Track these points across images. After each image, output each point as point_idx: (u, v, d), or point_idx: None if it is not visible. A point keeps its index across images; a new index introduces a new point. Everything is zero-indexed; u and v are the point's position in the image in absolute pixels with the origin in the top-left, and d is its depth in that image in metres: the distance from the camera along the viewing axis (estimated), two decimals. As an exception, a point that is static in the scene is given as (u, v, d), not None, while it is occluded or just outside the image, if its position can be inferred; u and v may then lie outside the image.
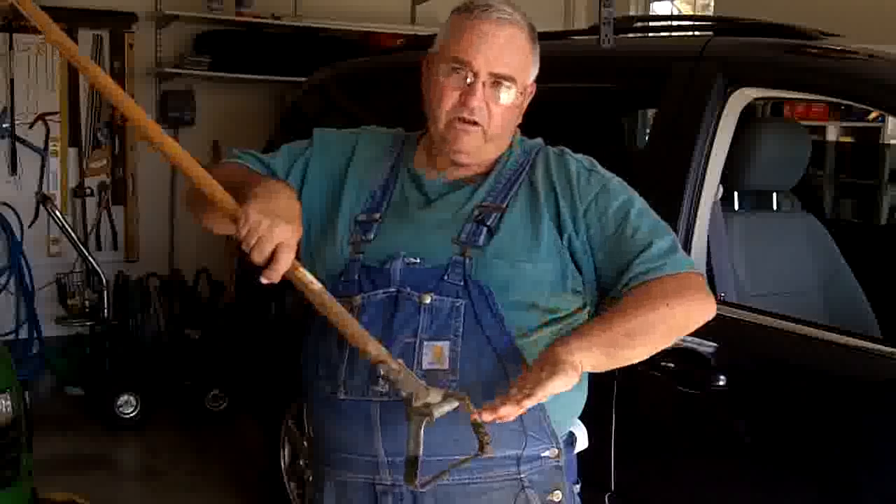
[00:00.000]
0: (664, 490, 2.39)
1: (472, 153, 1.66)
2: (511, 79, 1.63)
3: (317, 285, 1.51)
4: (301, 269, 1.50)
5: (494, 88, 1.62)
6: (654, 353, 1.59)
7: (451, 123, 1.63)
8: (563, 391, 1.43)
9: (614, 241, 1.62)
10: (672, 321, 1.57)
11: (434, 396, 1.42)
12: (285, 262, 1.46)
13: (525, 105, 1.72)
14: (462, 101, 1.61)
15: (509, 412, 1.40)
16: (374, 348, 1.48)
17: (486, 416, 1.40)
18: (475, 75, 1.61)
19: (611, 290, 1.63)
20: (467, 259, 1.60)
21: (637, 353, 1.56)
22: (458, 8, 1.67)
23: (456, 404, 1.42)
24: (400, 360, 1.48)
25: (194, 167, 1.53)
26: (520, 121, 1.73)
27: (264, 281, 1.46)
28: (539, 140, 1.78)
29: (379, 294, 1.60)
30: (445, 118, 1.63)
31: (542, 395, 1.41)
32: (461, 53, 1.61)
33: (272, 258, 1.45)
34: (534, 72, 1.70)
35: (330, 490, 1.70)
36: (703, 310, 1.61)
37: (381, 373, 1.46)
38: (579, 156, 1.72)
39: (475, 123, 1.62)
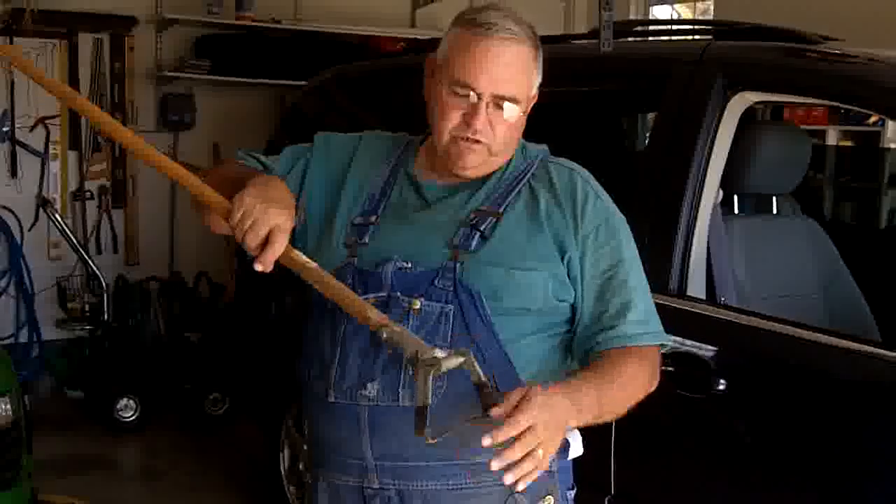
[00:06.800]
0: (664, 493, 2.39)
1: (476, 168, 1.65)
2: (515, 99, 1.60)
3: (313, 264, 1.51)
4: (295, 251, 1.50)
5: (498, 108, 1.59)
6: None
7: (455, 140, 1.61)
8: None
9: (601, 281, 1.62)
10: (635, 399, 1.59)
11: (439, 353, 1.41)
12: (280, 243, 1.45)
13: (528, 110, 1.69)
14: (465, 121, 1.59)
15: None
16: (375, 314, 1.47)
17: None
18: (478, 97, 1.57)
19: (587, 328, 1.63)
20: (458, 263, 1.58)
21: (595, 419, 1.52)
22: (463, 19, 1.62)
23: (461, 360, 1.41)
24: (402, 325, 1.48)
25: (181, 172, 1.55)
26: (523, 128, 1.70)
27: (258, 268, 1.46)
28: (544, 147, 1.75)
29: (370, 298, 1.58)
30: (448, 135, 1.61)
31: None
32: (464, 76, 1.57)
33: (266, 242, 1.45)
34: (537, 82, 1.66)
35: (323, 490, 1.70)
36: (651, 388, 1.63)
37: (384, 336, 1.45)
38: (586, 174, 1.69)
39: (478, 141, 1.60)
